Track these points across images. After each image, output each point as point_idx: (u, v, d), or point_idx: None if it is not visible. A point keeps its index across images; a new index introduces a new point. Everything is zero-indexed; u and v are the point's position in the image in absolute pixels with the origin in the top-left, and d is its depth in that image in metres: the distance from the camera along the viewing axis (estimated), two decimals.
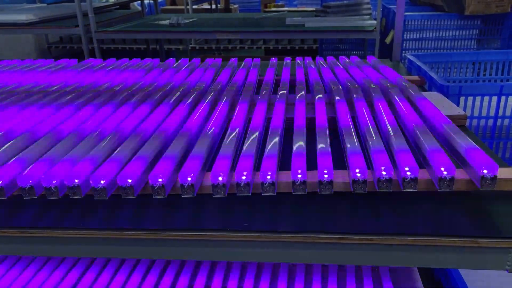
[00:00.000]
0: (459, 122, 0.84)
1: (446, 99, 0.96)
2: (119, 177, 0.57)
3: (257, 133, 0.69)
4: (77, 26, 2.42)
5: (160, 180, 0.57)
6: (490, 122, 1.18)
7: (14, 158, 0.63)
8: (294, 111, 0.80)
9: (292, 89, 0.98)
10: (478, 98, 1.15)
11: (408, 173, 0.56)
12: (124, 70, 1.05)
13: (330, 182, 0.57)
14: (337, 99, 0.84)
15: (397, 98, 0.81)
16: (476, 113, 1.17)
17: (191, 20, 2.75)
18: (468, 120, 0.92)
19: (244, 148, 0.64)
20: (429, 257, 0.53)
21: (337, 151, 0.67)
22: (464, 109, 1.13)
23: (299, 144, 0.64)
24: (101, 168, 0.59)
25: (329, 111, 0.82)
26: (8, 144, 0.68)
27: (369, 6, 2.62)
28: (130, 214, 0.59)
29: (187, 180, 0.57)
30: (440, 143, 0.63)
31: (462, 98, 1.12)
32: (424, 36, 2.50)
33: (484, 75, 1.55)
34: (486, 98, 1.15)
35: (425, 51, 2.49)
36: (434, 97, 0.96)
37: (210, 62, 1.24)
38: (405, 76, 1.12)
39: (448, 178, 0.55)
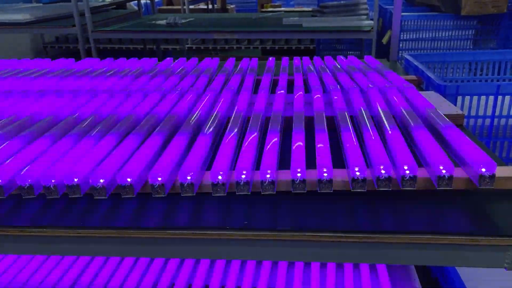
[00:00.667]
0: (456, 121, 0.85)
1: (444, 98, 0.96)
2: (119, 176, 0.57)
3: (256, 132, 0.69)
4: (74, 25, 2.42)
5: (159, 178, 0.57)
6: (487, 121, 1.19)
7: (13, 157, 0.63)
8: (293, 110, 0.80)
9: (290, 89, 0.98)
10: (475, 98, 1.16)
11: (407, 171, 0.56)
12: (123, 76, 1.05)
13: (330, 181, 0.57)
14: (335, 99, 0.84)
15: (395, 98, 0.81)
16: (473, 113, 1.18)
17: (188, 20, 2.74)
18: (465, 120, 0.93)
19: (244, 147, 0.64)
20: (429, 255, 0.54)
21: (336, 150, 0.67)
22: (461, 108, 1.14)
23: (298, 143, 0.65)
24: (101, 167, 0.59)
25: (328, 111, 0.83)
26: (6, 142, 0.68)
27: (366, 6, 2.63)
28: (129, 212, 0.59)
29: (187, 178, 0.57)
30: (439, 142, 0.63)
31: (459, 98, 1.13)
32: (421, 36, 2.51)
33: (481, 75, 1.56)
34: (483, 98, 1.16)
35: (422, 51, 2.50)
36: (431, 97, 0.96)
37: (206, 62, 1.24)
38: (402, 75, 1.12)
39: (446, 177, 0.56)
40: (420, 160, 0.62)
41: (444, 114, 0.73)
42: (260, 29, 2.48)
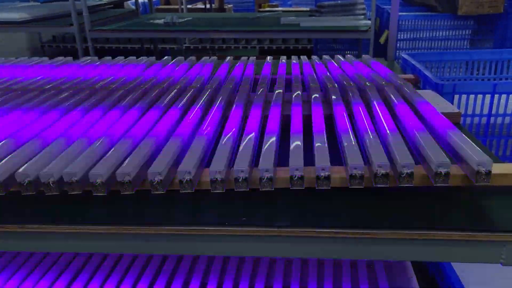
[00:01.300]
0: (453, 119, 0.85)
1: (440, 97, 0.97)
2: (118, 173, 0.57)
3: (255, 130, 0.70)
4: (72, 24, 2.41)
5: (158, 175, 0.57)
6: (484, 120, 1.20)
7: (12, 154, 0.63)
8: (291, 108, 0.81)
9: (288, 87, 0.99)
10: (472, 97, 1.16)
11: (405, 168, 0.57)
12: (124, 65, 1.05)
13: (328, 177, 0.57)
14: (333, 97, 0.84)
15: (392, 96, 0.82)
16: (469, 111, 1.18)
17: (185, 19, 2.74)
18: (462, 118, 0.94)
19: (242, 144, 0.65)
20: (426, 251, 0.54)
21: (335, 148, 0.68)
22: (458, 107, 1.14)
23: (296, 140, 0.65)
24: (100, 164, 0.59)
25: (326, 109, 0.83)
26: (6, 140, 0.68)
27: (363, 6, 2.64)
28: (128, 209, 0.59)
29: (186, 175, 0.58)
30: (436, 139, 0.63)
31: (456, 96, 1.13)
32: (418, 36, 2.52)
33: (477, 74, 1.57)
34: (480, 96, 1.17)
35: (419, 51, 2.52)
36: (428, 95, 0.97)
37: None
38: (399, 74, 1.13)
39: (443, 173, 0.56)
40: (417, 157, 0.63)
41: (441, 113, 0.74)
42: (258, 28, 2.48)
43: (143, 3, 4.09)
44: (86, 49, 2.47)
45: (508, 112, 1.18)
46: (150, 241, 0.56)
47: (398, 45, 2.48)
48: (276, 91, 0.91)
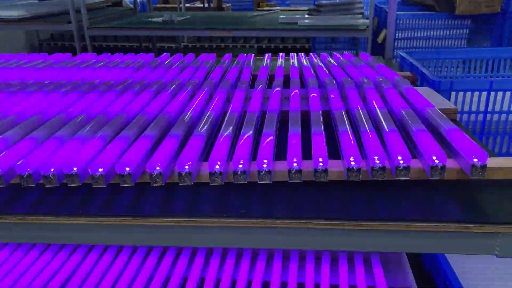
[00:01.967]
0: (450, 116, 0.86)
1: (437, 93, 0.97)
2: (118, 165, 0.58)
3: (253, 125, 0.70)
4: (70, 22, 2.41)
5: (158, 168, 0.58)
6: (480, 117, 1.21)
7: (12, 146, 0.64)
8: (289, 104, 0.81)
9: (286, 84, 0.99)
10: (469, 94, 1.17)
11: (401, 161, 0.57)
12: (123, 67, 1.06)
13: (325, 170, 0.58)
14: (331, 92, 0.85)
15: (389, 91, 0.83)
16: (466, 108, 1.19)
17: (184, 18, 2.75)
18: (458, 115, 0.94)
19: (241, 138, 0.65)
20: (421, 243, 0.55)
21: (332, 143, 0.68)
22: (455, 104, 1.15)
23: (294, 134, 0.66)
24: (100, 156, 0.60)
25: (323, 104, 0.84)
26: (6, 132, 0.69)
27: (361, 5, 2.65)
28: (128, 201, 0.60)
29: (185, 168, 0.58)
30: (432, 133, 0.64)
31: (453, 94, 1.14)
32: (416, 35, 2.54)
33: (475, 72, 1.58)
34: (476, 94, 1.18)
35: (417, 50, 2.53)
36: (425, 92, 0.97)
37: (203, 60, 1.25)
38: (397, 72, 1.13)
39: (439, 167, 0.57)
40: (413, 151, 0.63)
41: (438, 109, 0.75)
42: (256, 27, 2.49)
43: (141, 2, 4.10)
44: (84, 47, 2.47)
45: (505, 109, 1.19)
46: (149, 233, 0.57)
47: (396, 44, 2.49)
48: (275, 87, 0.92)
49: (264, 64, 1.12)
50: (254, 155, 0.62)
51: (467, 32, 2.52)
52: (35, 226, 0.57)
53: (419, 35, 2.52)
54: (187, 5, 4.22)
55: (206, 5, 4.51)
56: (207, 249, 1.08)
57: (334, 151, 0.65)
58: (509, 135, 1.22)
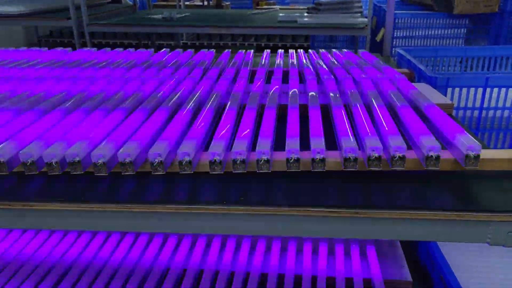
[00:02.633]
0: (446, 111, 0.87)
1: (434, 89, 0.99)
2: (119, 154, 0.59)
3: (253, 116, 0.71)
4: (70, 18, 2.42)
5: (159, 157, 0.59)
6: (476, 113, 1.22)
7: (16, 134, 0.65)
8: (288, 98, 0.83)
9: (285, 79, 1.01)
10: (465, 90, 1.19)
11: (397, 152, 0.59)
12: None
13: (323, 160, 0.59)
14: (329, 88, 0.86)
15: (386, 85, 0.84)
16: (462, 104, 1.21)
17: (183, 15, 2.76)
18: (454, 111, 0.96)
19: (241, 128, 0.67)
20: (414, 230, 0.56)
21: (330, 135, 0.69)
22: (451, 100, 1.17)
23: (293, 126, 0.67)
24: (102, 145, 0.61)
25: (322, 99, 0.85)
26: (10, 120, 0.70)
27: (360, 4, 2.66)
28: (129, 189, 0.61)
29: (185, 157, 0.59)
30: (427, 126, 0.66)
31: (449, 90, 1.16)
32: (414, 34, 2.55)
33: (471, 71, 1.60)
34: (472, 90, 1.19)
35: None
36: (422, 88, 0.99)
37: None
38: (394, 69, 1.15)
39: (434, 157, 0.58)
40: (409, 142, 0.65)
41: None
42: (256, 24, 2.50)
43: None
44: (83, 44, 2.48)
45: (500, 105, 1.21)
46: (150, 219, 0.58)
47: (394, 43, 2.51)
48: (273, 82, 0.93)
49: (263, 62, 1.14)
50: (253, 146, 0.63)
51: (465, 31, 2.54)
52: (38, 212, 0.59)
53: (417, 34, 2.54)
54: (187, 3, 4.23)
55: (206, 3, 4.51)
56: (206, 240, 1.10)
57: (332, 142, 0.66)
58: (504, 131, 1.23)
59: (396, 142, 0.59)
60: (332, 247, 1.12)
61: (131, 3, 3.49)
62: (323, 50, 1.28)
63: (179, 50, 1.29)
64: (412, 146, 0.64)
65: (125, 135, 0.64)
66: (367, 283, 0.99)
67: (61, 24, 2.65)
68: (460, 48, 1.63)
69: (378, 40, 2.52)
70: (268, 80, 0.98)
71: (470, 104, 1.20)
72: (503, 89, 1.18)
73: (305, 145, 0.62)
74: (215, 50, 1.28)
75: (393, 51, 2.37)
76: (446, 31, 2.54)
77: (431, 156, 0.58)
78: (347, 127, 0.65)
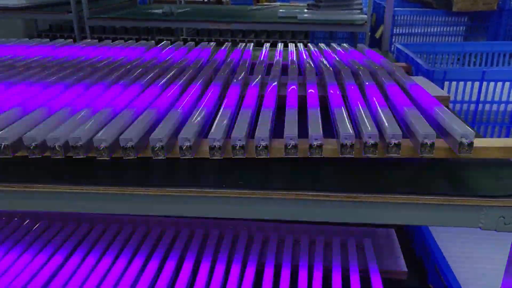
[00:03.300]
0: (442, 103, 0.89)
1: (430, 82, 1.00)
2: (121, 138, 0.60)
3: (252, 104, 0.73)
4: (70, 12, 2.42)
5: (160, 142, 0.60)
6: (472, 107, 1.24)
7: (20, 120, 0.66)
8: (287, 89, 0.84)
9: (284, 71, 1.02)
10: (462, 84, 1.20)
11: (392, 139, 0.60)
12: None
13: (320, 146, 0.61)
14: (327, 78, 0.88)
15: (383, 77, 0.85)
16: (459, 98, 1.22)
17: (184, 10, 2.77)
18: (451, 105, 0.97)
19: (240, 116, 0.68)
20: (409, 215, 0.58)
21: (328, 125, 0.71)
22: (448, 94, 1.18)
23: (291, 114, 0.68)
24: (104, 129, 0.62)
25: (320, 90, 0.86)
26: (14, 108, 0.71)
27: (360, 1, 2.67)
28: (132, 173, 0.62)
29: (186, 142, 0.61)
30: (422, 114, 0.67)
31: (446, 83, 1.17)
32: (413, 31, 2.57)
33: (469, 66, 1.61)
34: (469, 84, 1.21)
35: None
36: (419, 81, 1.00)
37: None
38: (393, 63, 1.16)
39: (429, 144, 0.59)
40: (405, 130, 0.66)
41: None
42: (256, 20, 2.51)
43: None
44: (84, 38, 2.48)
45: (496, 99, 1.22)
46: (152, 202, 0.59)
47: (393, 39, 2.52)
48: (273, 73, 0.94)
49: (262, 55, 1.15)
50: (253, 134, 0.64)
51: (464, 29, 2.56)
52: (38, 194, 0.60)
53: (416, 31, 2.55)
54: None
55: None
56: (202, 236, 1.11)
57: (330, 131, 0.68)
58: (500, 124, 1.25)
59: (392, 129, 0.60)
60: (329, 239, 1.13)
61: None
62: (323, 44, 1.30)
63: (179, 43, 1.31)
64: (408, 134, 0.65)
65: (127, 121, 0.66)
66: (363, 272, 1.01)
67: (61, 17, 2.65)
68: (458, 44, 1.65)
69: (377, 37, 2.53)
70: (267, 71, 0.99)
71: (466, 98, 1.22)
72: (499, 83, 1.19)
73: (303, 128, 0.64)
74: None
75: (392, 48, 2.38)
76: (445, 29, 2.55)
77: (426, 143, 0.59)
78: (345, 115, 0.66)
